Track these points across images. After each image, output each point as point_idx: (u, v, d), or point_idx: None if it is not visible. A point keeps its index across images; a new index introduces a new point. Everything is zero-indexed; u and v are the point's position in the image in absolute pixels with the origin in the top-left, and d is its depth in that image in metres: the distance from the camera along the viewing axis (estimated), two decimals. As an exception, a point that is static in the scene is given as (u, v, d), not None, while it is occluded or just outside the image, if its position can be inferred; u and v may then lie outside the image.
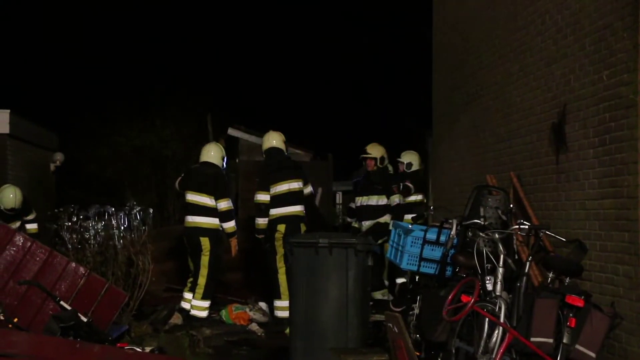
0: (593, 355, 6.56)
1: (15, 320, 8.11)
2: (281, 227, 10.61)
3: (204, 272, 10.57)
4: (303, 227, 10.68)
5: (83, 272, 8.86)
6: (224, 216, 10.74)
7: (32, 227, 11.53)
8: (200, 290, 10.56)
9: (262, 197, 10.72)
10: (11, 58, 27.74)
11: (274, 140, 10.99)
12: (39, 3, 29.21)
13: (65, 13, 29.25)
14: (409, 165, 12.49)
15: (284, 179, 10.74)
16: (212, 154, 11.01)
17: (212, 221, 10.70)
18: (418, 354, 7.27)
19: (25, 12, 29.45)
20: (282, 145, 11.00)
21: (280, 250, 10.57)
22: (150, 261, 10.74)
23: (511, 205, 8.07)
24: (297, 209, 10.78)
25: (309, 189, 11.14)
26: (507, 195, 8.16)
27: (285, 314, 10.17)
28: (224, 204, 10.75)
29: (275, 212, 10.69)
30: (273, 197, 10.70)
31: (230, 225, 10.81)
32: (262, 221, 10.80)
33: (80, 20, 29.54)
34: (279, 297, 10.60)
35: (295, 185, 10.79)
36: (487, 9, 11.47)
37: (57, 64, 28.25)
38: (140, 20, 29.14)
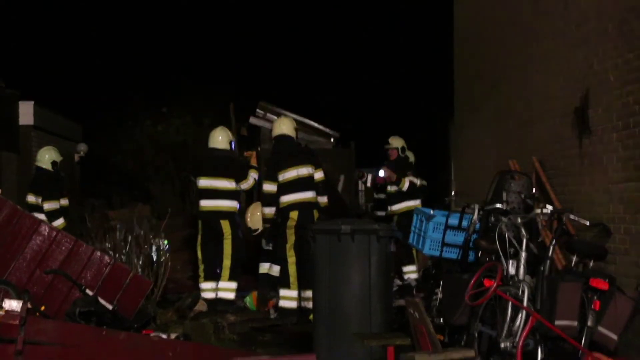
0: (615, 337, 6.55)
1: (42, 308, 8.21)
2: (294, 215, 10.27)
3: (227, 254, 10.56)
4: (316, 214, 10.39)
5: (108, 260, 8.93)
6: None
7: (59, 222, 11.38)
8: (226, 272, 10.53)
9: (268, 187, 10.48)
10: (35, 50, 27.96)
11: (283, 126, 10.72)
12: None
13: (89, 5, 29.46)
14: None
15: (291, 165, 10.40)
16: (220, 138, 10.90)
17: (230, 204, 10.69)
18: (441, 338, 7.27)
19: (49, 5, 29.64)
20: (292, 132, 10.70)
21: (291, 239, 10.26)
22: (166, 252, 10.79)
23: (534, 190, 8.04)
24: (308, 195, 10.41)
25: (320, 175, 10.63)
26: (530, 179, 8.13)
27: (292, 304, 10.15)
28: (245, 185, 10.82)
29: (286, 199, 10.37)
30: (282, 185, 10.39)
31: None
32: (267, 210, 10.59)
33: (103, 12, 29.72)
34: (287, 287, 10.25)
35: (304, 171, 10.43)
36: (509, -6, 11.43)
37: (80, 55, 28.44)
38: (162, 10, 29.26)
